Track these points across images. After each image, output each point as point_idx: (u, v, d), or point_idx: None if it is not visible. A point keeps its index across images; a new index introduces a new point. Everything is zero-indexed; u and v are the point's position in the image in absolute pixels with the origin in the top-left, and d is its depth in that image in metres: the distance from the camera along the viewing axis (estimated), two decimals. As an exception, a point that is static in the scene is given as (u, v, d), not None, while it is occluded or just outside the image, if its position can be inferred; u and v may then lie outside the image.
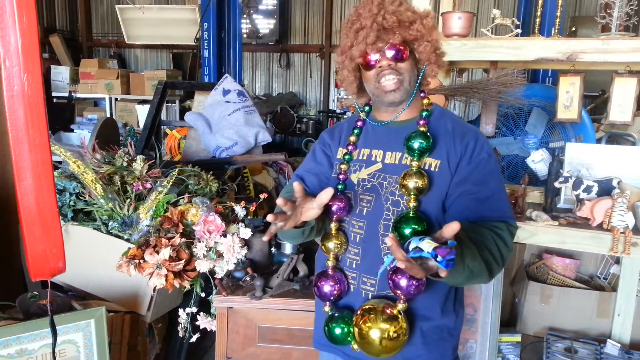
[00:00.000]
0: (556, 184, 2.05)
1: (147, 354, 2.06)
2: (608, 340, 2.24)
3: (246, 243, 1.97)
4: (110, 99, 6.42)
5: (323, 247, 1.33)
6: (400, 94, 1.27)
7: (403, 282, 1.16)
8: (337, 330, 1.29)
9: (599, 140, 2.71)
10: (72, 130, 5.39)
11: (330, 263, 1.33)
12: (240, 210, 2.06)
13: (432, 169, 1.26)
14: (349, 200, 1.31)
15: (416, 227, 1.19)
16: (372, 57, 1.26)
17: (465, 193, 1.22)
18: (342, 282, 1.32)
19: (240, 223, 2.02)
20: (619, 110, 2.13)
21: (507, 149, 2.61)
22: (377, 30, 1.22)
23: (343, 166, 1.35)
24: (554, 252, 2.38)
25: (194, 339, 1.95)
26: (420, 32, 1.24)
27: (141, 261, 1.81)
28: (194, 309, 1.94)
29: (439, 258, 0.93)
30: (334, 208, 1.29)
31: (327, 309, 1.33)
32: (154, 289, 1.93)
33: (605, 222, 1.88)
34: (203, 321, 1.92)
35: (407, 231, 1.19)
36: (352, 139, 1.37)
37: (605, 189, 1.98)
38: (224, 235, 1.92)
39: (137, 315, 2.01)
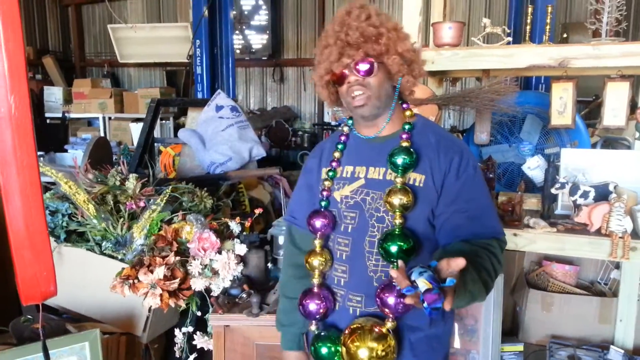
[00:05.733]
0: (553, 190, 2.04)
1: (143, 375, 2.02)
2: (611, 346, 2.21)
3: (242, 259, 1.94)
4: (104, 118, 6.42)
5: (307, 264, 1.33)
6: (369, 109, 1.26)
7: (391, 300, 1.17)
8: (324, 350, 1.28)
9: (594, 145, 2.71)
10: (66, 151, 5.36)
11: (315, 281, 1.32)
12: (235, 227, 2.04)
13: (417, 184, 1.25)
14: (333, 217, 1.32)
15: (402, 244, 1.18)
16: (340, 73, 1.25)
17: (457, 212, 1.22)
18: (327, 300, 1.31)
19: (235, 239, 2.00)
20: (612, 114, 2.13)
21: (502, 157, 2.60)
22: (341, 47, 1.22)
23: (327, 183, 1.35)
24: (554, 259, 2.36)
25: (191, 359, 1.92)
26: (386, 46, 1.23)
27: (135, 281, 1.78)
28: (190, 329, 1.91)
29: (425, 304, 0.93)
30: (318, 225, 1.30)
31: (313, 327, 1.33)
32: (150, 309, 1.90)
33: (603, 227, 1.86)
34: (200, 340, 1.88)
35: (393, 249, 1.19)
36: (336, 155, 1.37)
37: (602, 194, 1.97)
38: (219, 252, 1.89)
39: (132, 336, 1.97)
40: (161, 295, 1.75)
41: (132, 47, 7.32)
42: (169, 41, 7.03)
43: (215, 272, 1.87)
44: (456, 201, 1.23)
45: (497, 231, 1.25)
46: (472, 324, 1.86)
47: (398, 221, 1.21)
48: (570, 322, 2.17)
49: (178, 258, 1.85)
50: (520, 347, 2.00)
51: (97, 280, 1.94)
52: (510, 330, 2.22)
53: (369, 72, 1.23)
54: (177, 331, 1.91)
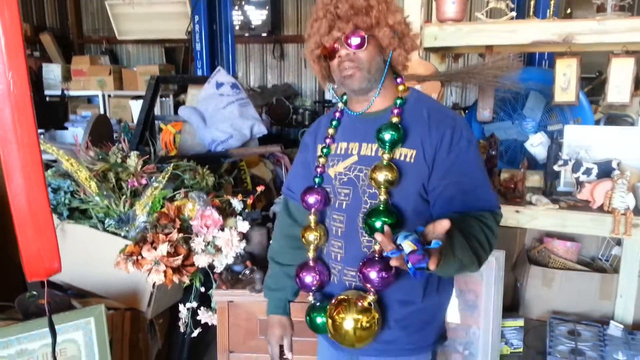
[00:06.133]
0: (555, 167, 2.04)
1: (148, 350, 2.05)
2: (611, 321, 2.23)
3: (244, 236, 1.95)
4: (103, 95, 6.37)
5: (303, 239, 1.34)
6: (358, 81, 1.24)
7: (372, 274, 1.18)
8: (319, 320, 1.31)
9: (597, 122, 2.69)
10: (66, 128, 5.33)
11: (310, 255, 1.34)
12: (237, 204, 2.04)
13: (407, 159, 1.24)
14: (326, 194, 1.32)
15: (386, 219, 1.18)
16: (330, 47, 1.23)
17: (450, 185, 1.21)
18: (322, 274, 1.34)
19: (237, 216, 2.00)
20: (616, 91, 2.11)
21: (505, 134, 2.59)
22: (330, 20, 1.20)
23: (321, 159, 1.35)
24: (555, 235, 2.37)
25: (195, 334, 1.94)
26: (377, 18, 1.21)
27: (139, 258, 1.79)
28: (195, 304, 1.93)
29: (409, 265, 0.94)
30: (312, 201, 1.31)
31: (310, 298, 1.36)
32: (154, 285, 1.91)
33: (605, 204, 1.86)
34: (204, 316, 1.90)
35: (378, 224, 1.18)
36: (331, 131, 1.36)
37: (605, 171, 1.96)
38: (222, 229, 1.90)
39: (137, 311, 1.99)
40: (165, 271, 1.77)
41: (131, 23, 7.21)
42: (167, 17, 6.93)
43: (218, 249, 1.88)
44: (448, 175, 1.21)
45: (492, 204, 1.24)
46: (473, 300, 1.88)
47: (382, 197, 1.21)
48: (570, 298, 2.19)
49: (181, 235, 1.86)
50: (520, 323, 2.02)
51: (100, 257, 1.95)
52: (511, 305, 2.24)
53: (359, 46, 1.21)
54: (181, 306, 1.93)
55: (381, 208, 1.21)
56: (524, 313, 2.16)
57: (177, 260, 1.79)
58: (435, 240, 0.98)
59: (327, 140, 1.35)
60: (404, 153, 1.24)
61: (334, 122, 1.37)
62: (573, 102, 2.18)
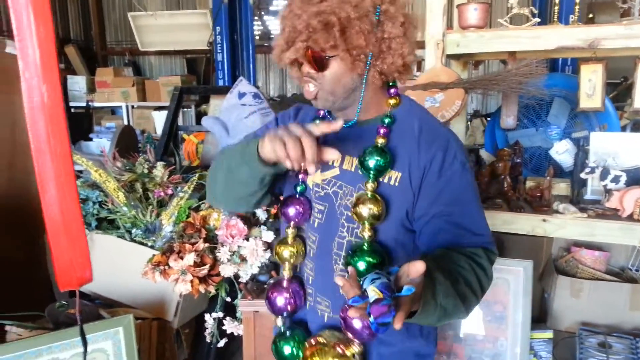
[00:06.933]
0: (582, 175, 2.01)
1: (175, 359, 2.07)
2: (642, 333, 2.18)
3: (269, 246, 1.96)
4: (127, 106, 6.49)
5: (276, 254, 1.19)
6: (321, 103, 1.09)
7: (357, 323, 0.99)
8: (287, 350, 1.17)
9: (623, 129, 2.65)
10: (90, 139, 5.45)
11: (285, 273, 1.18)
12: (261, 213, 2.06)
13: (392, 182, 1.08)
14: (309, 205, 1.16)
15: (371, 260, 1.04)
16: (293, 62, 1.07)
17: (438, 215, 1.06)
18: (298, 296, 1.18)
19: (262, 226, 2.01)
20: (644, 96, 2.07)
21: (529, 141, 2.56)
22: (290, 32, 1.03)
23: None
24: (583, 244, 2.32)
25: (221, 343, 1.95)
26: (340, 37, 1.00)
27: (166, 267, 1.81)
28: (220, 314, 1.94)
29: (371, 318, 0.78)
30: (292, 213, 1.14)
31: (279, 322, 1.20)
32: (180, 294, 1.93)
33: (635, 213, 1.83)
34: (230, 326, 1.92)
35: (361, 265, 1.04)
36: None
37: (634, 178, 1.93)
38: (247, 239, 1.91)
39: (164, 321, 2.01)
40: (192, 281, 1.78)
41: (153, 34, 7.36)
42: (188, 28, 7.06)
43: (243, 259, 1.89)
44: (437, 203, 1.06)
45: (486, 240, 1.09)
46: (500, 311, 1.85)
47: (367, 234, 1.06)
48: (600, 309, 2.13)
49: (207, 245, 1.88)
50: (549, 334, 1.98)
51: (128, 267, 1.98)
52: (538, 317, 2.20)
53: (319, 67, 1.03)
54: (207, 316, 1.95)
55: (365, 247, 1.06)
56: (551, 324, 2.11)
57: (204, 270, 1.81)
58: (408, 286, 0.80)
59: None
60: (389, 175, 1.09)
61: (317, 121, 1.18)
62: (599, 108, 2.14)
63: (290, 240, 1.17)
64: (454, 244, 1.05)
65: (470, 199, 1.09)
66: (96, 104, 6.66)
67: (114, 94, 6.51)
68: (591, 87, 2.15)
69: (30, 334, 1.70)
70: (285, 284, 1.18)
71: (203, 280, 1.83)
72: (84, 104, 6.62)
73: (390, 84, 1.14)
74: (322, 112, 1.20)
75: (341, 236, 1.12)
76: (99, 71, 6.86)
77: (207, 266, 1.82)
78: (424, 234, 1.09)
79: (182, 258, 1.80)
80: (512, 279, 1.87)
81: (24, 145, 2.63)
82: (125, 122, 6.33)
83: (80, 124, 6.25)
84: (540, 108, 2.57)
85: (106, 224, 2.10)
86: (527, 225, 1.94)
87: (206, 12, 6.70)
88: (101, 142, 4.91)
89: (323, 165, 1.11)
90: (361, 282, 0.87)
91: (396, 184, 1.09)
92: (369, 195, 1.06)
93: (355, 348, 1.06)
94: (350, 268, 0.93)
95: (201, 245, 1.86)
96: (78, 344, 1.58)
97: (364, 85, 1.08)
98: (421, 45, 1.88)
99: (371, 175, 1.06)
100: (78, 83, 6.84)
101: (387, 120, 1.11)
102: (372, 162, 1.06)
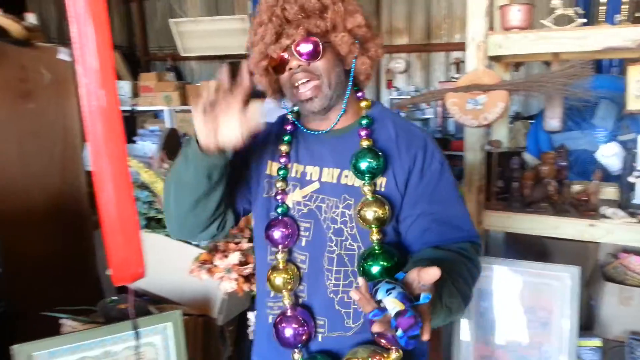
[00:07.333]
0: (630, 179, 1.96)
1: (220, 356, 2.12)
2: (695, 343, 2.10)
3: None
4: (169, 110, 6.67)
5: (269, 285, 1.12)
6: (320, 102, 1.06)
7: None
8: None
9: (674, 131, 2.56)
10: (134, 142, 5.62)
11: (287, 302, 1.11)
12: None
13: (379, 188, 1.08)
14: (295, 225, 1.11)
15: (384, 263, 1.01)
16: (279, 57, 1.04)
17: (423, 215, 1.06)
18: (308, 323, 1.10)
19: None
20: (695, 98, 2.01)
21: (574, 144, 2.51)
22: (277, 25, 1.01)
23: (279, 184, 1.13)
24: (632, 250, 2.25)
25: (263, 341, 1.99)
26: (333, 21, 1.02)
27: (212, 266, 1.87)
28: (263, 313, 1.98)
29: (399, 332, 0.72)
30: (277, 236, 1.10)
31: (297, 357, 1.11)
32: (225, 292, 1.98)
33: (688, 218, 1.77)
34: (272, 324, 1.95)
35: (375, 269, 1.01)
36: (283, 148, 1.15)
37: (687, 182, 1.87)
38: (290, 240, 1.95)
39: (209, 318, 2.07)
40: (237, 279, 1.83)
41: (194, 40, 7.53)
42: (228, 33, 7.18)
43: (285, 259, 1.93)
44: (421, 203, 1.06)
45: (472, 234, 1.09)
46: (545, 317, 1.82)
47: (375, 237, 1.04)
48: (650, 316, 2.08)
49: (250, 245, 1.92)
50: (598, 343, 1.93)
51: (174, 265, 2.04)
52: (585, 324, 2.15)
53: (314, 55, 1.02)
54: (250, 314, 1.99)
55: (377, 251, 1.04)
56: (599, 332, 2.06)
57: (248, 269, 1.85)
58: (425, 293, 0.77)
59: (283, 160, 1.14)
60: (374, 181, 1.07)
61: (286, 137, 1.16)
62: (648, 110, 2.09)
63: (281, 265, 1.12)
64: (441, 242, 1.05)
65: (452, 196, 1.10)
66: (139, 108, 6.87)
67: (156, 98, 6.69)
68: (639, 88, 2.10)
69: (84, 327, 1.77)
70: (289, 312, 1.11)
71: (247, 279, 1.88)
72: (128, 108, 6.83)
73: (356, 88, 1.14)
74: (289, 127, 1.18)
75: (330, 251, 1.09)
76: (143, 76, 7.07)
77: (251, 265, 1.87)
78: (411, 234, 1.08)
79: (227, 257, 1.85)
80: (557, 284, 1.83)
81: (76, 148, 2.76)
82: (168, 126, 6.50)
83: (125, 128, 6.44)
84: (585, 110, 2.52)
85: (154, 223, 2.17)
86: (573, 230, 1.90)
87: (244, 17, 6.82)
88: (145, 145, 5.06)
89: (301, 181, 1.12)
90: (374, 294, 0.82)
91: (382, 189, 1.08)
92: (371, 198, 1.05)
93: (395, 354, 1.02)
94: (360, 280, 0.87)
95: (245, 244, 1.91)
96: (129, 337, 1.64)
97: (351, 78, 1.09)
98: (461, 47, 1.86)
99: (366, 179, 1.05)
100: (123, 88, 7.06)
101: (365, 122, 1.10)
102: (363, 165, 1.04)
